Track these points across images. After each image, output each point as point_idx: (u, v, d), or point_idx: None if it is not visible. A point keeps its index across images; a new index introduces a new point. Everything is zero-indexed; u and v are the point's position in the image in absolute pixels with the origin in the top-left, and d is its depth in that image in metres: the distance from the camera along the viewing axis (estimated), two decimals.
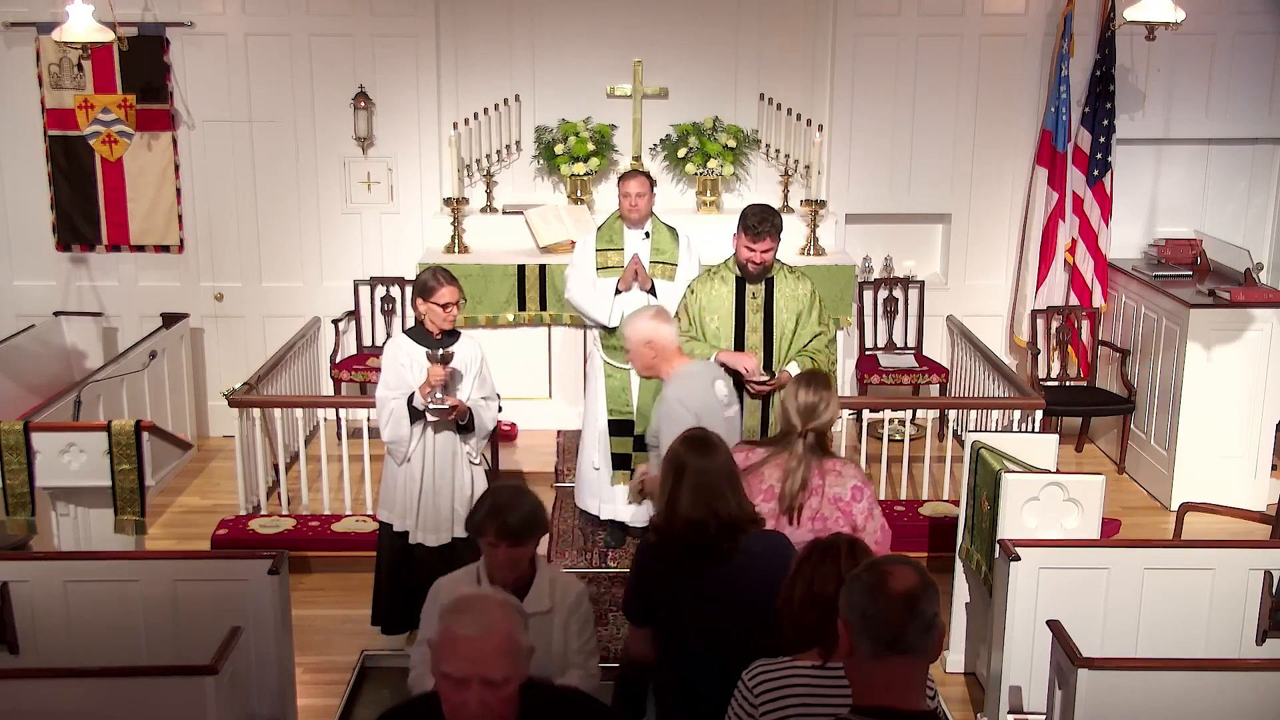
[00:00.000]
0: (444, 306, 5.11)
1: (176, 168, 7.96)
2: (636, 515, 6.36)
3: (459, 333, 5.31)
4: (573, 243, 7.16)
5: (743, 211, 5.44)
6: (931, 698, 2.85)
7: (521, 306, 7.49)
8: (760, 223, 5.34)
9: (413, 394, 5.11)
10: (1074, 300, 7.97)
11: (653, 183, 6.37)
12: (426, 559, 5.32)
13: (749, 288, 5.49)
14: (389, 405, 5.16)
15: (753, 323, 5.46)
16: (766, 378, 5.37)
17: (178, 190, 7.99)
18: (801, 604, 2.96)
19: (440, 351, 5.03)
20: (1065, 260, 7.95)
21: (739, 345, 5.46)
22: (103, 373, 6.87)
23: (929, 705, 2.31)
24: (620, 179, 6.34)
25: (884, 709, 2.25)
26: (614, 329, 6.27)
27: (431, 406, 5.09)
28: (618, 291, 6.22)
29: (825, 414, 4.03)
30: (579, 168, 7.81)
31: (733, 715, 2.98)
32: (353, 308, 8.10)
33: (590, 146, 7.82)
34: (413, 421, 5.16)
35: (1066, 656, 3.92)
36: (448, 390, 5.12)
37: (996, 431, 6.20)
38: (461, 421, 5.19)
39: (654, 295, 6.21)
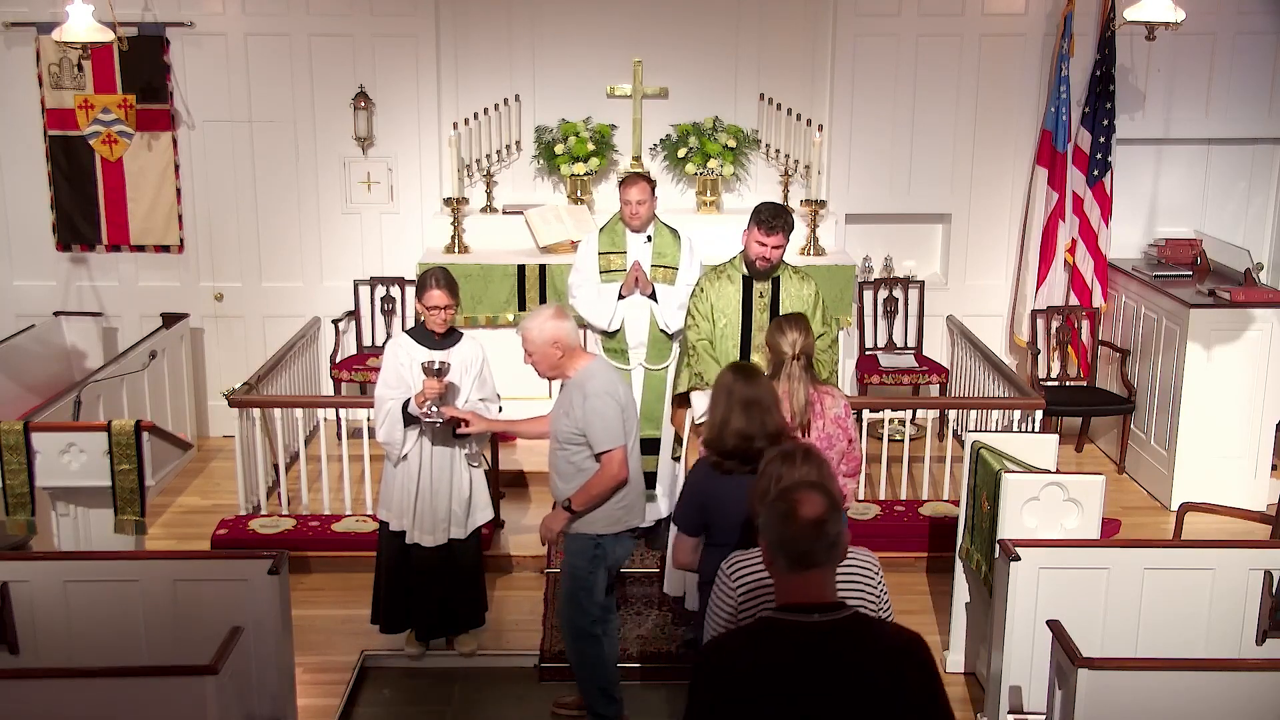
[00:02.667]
0: (430, 309, 5.12)
1: (176, 168, 7.96)
2: None
3: (461, 334, 5.31)
4: (573, 243, 7.16)
5: (756, 207, 5.46)
6: (878, 581, 3.45)
7: (522, 306, 7.48)
8: (774, 218, 5.36)
9: (408, 400, 5.11)
10: (1074, 300, 7.97)
11: (653, 186, 6.35)
12: (424, 559, 5.32)
13: (756, 286, 5.51)
14: (386, 405, 5.17)
15: (759, 322, 5.47)
16: None
17: (178, 190, 8.00)
18: (762, 499, 3.40)
19: (436, 365, 5.03)
20: (1065, 260, 7.95)
21: (745, 344, 5.48)
22: (103, 373, 6.87)
23: (837, 598, 2.79)
24: (621, 185, 6.31)
25: (800, 605, 2.71)
26: (614, 333, 6.27)
27: (425, 420, 5.09)
28: (621, 297, 6.21)
29: (807, 339, 4.69)
30: (579, 168, 7.81)
31: (715, 600, 3.45)
32: (353, 308, 8.10)
33: (590, 146, 7.82)
34: (407, 426, 5.16)
35: (1066, 656, 3.92)
36: (444, 401, 5.11)
37: (996, 431, 6.21)
38: (458, 430, 5.18)
39: (655, 300, 6.21)
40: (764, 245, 5.39)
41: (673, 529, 5.53)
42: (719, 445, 4.06)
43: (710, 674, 2.72)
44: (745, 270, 5.52)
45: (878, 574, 3.47)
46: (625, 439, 4.67)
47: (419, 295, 5.16)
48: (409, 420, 5.14)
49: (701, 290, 5.60)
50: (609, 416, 4.61)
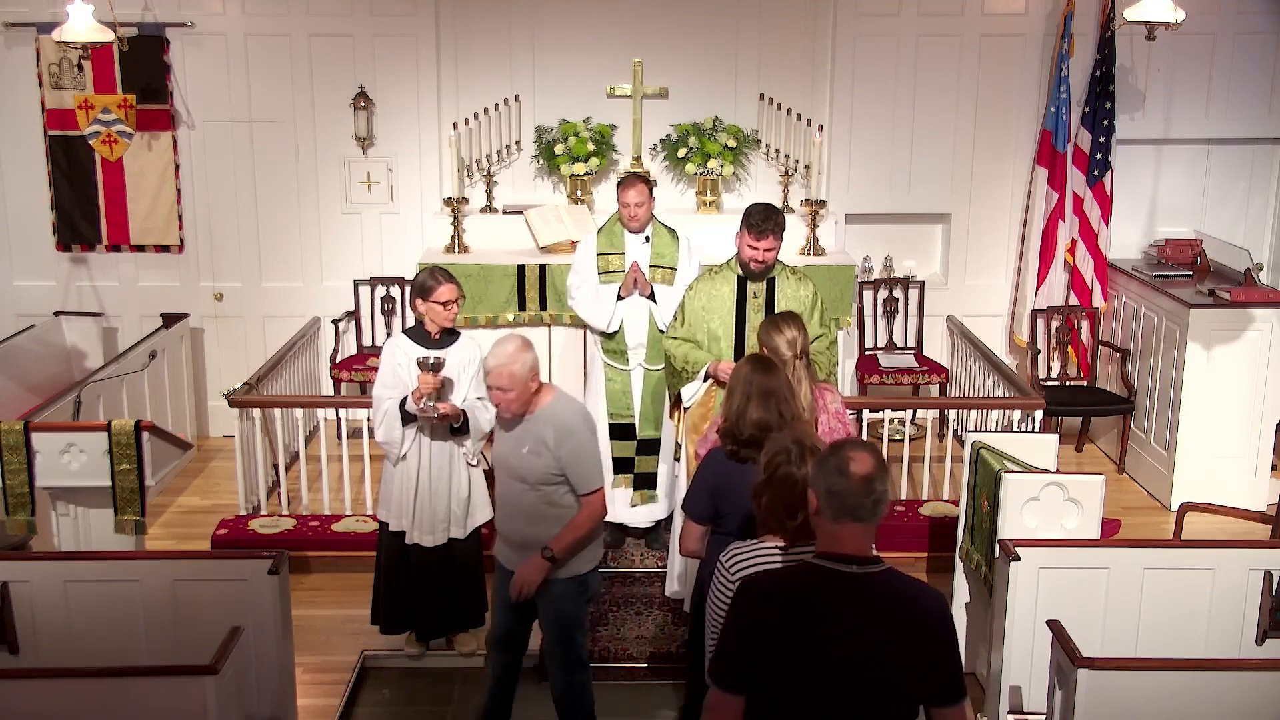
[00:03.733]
0: (444, 304, 5.12)
1: (176, 168, 7.97)
2: (637, 517, 6.37)
3: (459, 333, 5.31)
4: (573, 243, 7.16)
5: (746, 210, 5.43)
6: None
7: (521, 306, 7.49)
8: (764, 220, 5.34)
9: (405, 398, 5.11)
10: (1074, 300, 7.97)
11: (651, 187, 6.34)
12: (423, 559, 5.32)
13: (750, 287, 5.49)
14: (384, 405, 5.17)
15: (753, 322, 5.44)
16: None
17: (178, 190, 8.00)
18: (758, 490, 3.57)
19: (431, 360, 5.03)
20: (1065, 260, 7.95)
21: (740, 345, 5.46)
22: (103, 373, 6.87)
23: (873, 554, 2.98)
24: (619, 186, 6.29)
25: (840, 555, 2.93)
26: (614, 334, 6.26)
27: (422, 416, 5.09)
28: (620, 298, 6.21)
29: (803, 338, 4.75)
30: (579, 168, 7.81)
31: (715, 591, 3.57)
32: (353, 308, 8.10)
33: (590, 146, 7.82)
34: (405, 424, 5.16)
35: (1066, 656, 3.92)
36: (440, 397, 5.11)
37: (996, 431, 6.20)
38: (455, 425, 5.19)
39: (654, 301, 6.20)
40: (755, 249, 5.37)
41: (678, 516, 5.54)
42: (736, 434, 4.14)
43: (749, 603, 2.94)
44: (740, 271, 5.51)
45: None
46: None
47: (425, 295, 5.12)
48: (407, 418, 5.14)
49: (691, 289, 5.58)
50: (595, 453, 4.50)
